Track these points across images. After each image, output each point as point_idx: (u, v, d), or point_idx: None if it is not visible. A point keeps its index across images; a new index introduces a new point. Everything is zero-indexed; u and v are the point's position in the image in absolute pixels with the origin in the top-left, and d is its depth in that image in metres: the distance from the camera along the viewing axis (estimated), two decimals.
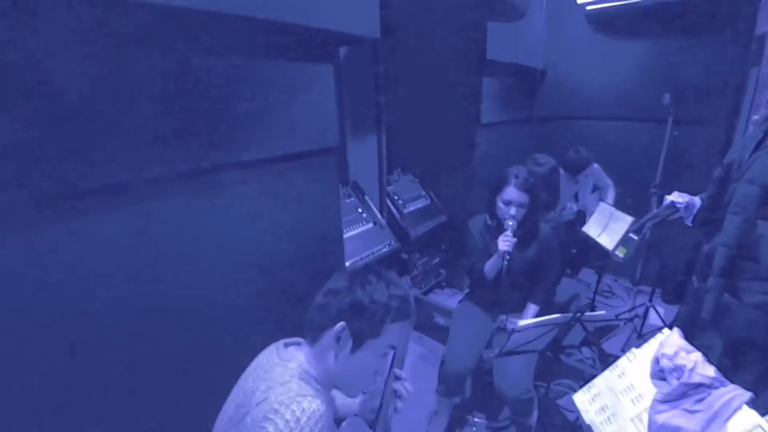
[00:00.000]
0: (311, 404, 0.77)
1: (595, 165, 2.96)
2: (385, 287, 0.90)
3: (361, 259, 2.33)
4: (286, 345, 0.95)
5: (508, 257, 1.73)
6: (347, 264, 2.15)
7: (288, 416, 0.75)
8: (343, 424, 1.04)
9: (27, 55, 0.83)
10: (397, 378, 1.08)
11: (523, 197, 1.75)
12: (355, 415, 1.15)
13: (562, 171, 2.79)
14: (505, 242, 1.72)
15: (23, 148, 0.85)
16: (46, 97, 0.86)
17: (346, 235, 2.22)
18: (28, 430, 0.94)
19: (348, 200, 2.53)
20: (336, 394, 1.17)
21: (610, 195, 2.97)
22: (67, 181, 0.92)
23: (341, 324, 0.86)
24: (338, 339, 0.88)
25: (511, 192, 1.76)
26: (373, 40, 1.55)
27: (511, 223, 1.75)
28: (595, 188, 3.08)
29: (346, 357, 0.89)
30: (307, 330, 0.93)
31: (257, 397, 0.80)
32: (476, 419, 2.06)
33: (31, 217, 0.89)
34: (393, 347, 0.94)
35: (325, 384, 0.92)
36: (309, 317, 0.93)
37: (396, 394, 1.06)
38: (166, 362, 1.17)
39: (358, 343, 0.89)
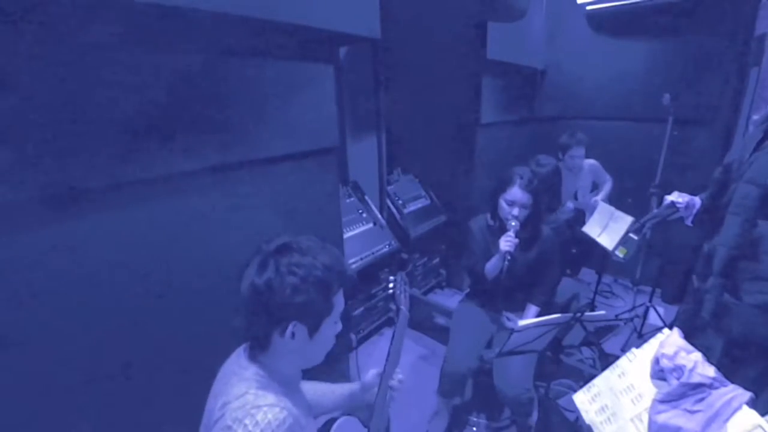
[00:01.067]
0: (266, 415, 0.75)
1: (594, 162, 2.96)
2: (312, 260, 0.81)
3: (361, 259, 2.33)
4: (245, 350, 0.91)
5: (509, 257, 1.72)
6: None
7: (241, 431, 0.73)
8: (335, 425, 1.04)
9: (27, 56, 0.83)
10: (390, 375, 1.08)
11: (526, 198, 1.75)
12: (347, 413, 1.15)
13: (560, 165, 2.80)
14: (507, 242, 1.72)
15: (23, 148, 0.85)
16: (47, 97, 0.86)
17: (346, 235, 2.22)
18: (29, 428, 0.94)
19: (348, 200, 2.53)
20: (322, 387, 1.17)
21: (606, 188, 2.97)
22: (67, 181, 0.92)
23: (292, 324, 0.81)
24: (293, 335, 0.82)
25: (515, 192, 1.75)
26: (373, 40, 1.55)
27: (513, 224, 1.75)
28: (594, 186, 3.08)
29: (306, 344, 0.85)
30: (252, 339, 0.87)
31: (215, 415, 0.79)
32: (476, 419, 2.06)
33: (31, 217, 0.89)
34: (341, 312, 0.90)
35: (291, 380, 0.89)
36: (247, 323, 0.84)
37: (391, 387, 1.06)
38: (164, 362, 1.18)
39: (314, 328, 0.84)
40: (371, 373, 1.15)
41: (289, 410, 0.80)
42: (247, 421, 0.74)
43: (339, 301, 0.88)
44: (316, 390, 1.17)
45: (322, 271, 0.81)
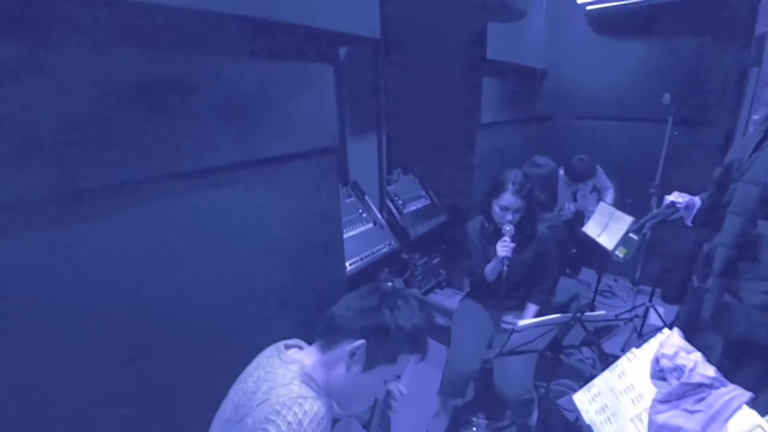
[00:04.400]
0: (313, 406, 0.77)
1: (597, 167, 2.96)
2: (410, 314, 0.90)
3: (361, 259, 2.33)
4: (287, 347, 0.94)
5: (507, 262, 1.73)
6: (347, 264, 2.15)
7: (290, 418, 0.74)
8: (336, 426, 1.04)
9: (27, 56, 0.83)
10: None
11: (519, 203, 1.75)
12: (349, 415, 1.15)
13: (561, 173, 2.80)
14: (503, 248, 1.73)
15: (23, 149, 0.85)
16: (47, 97, 0.86)
17: (346, 235, 2.22)
18: (31, 428, 0.94)
19: (348, 200, 2.52)
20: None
21: (609, 197, 2.97)
22: (67, 181, 0.92)
23: (361, 342, 0.85)
24: (353, 355, 0.86)
25: (507, 198, 1.75)
26: (373, 40, 1.55)
27: (508, 228, 1.75)
28: (594, 189, 3.08)
29: (355, 374, 0.88)
30: (322, 335, 0.91)
31: (258, 398, 0.80)
32: (476, 419, 2.06)
33: (31, 217, 0.89)
34: (398, 376, 0.94)
35: (326, 391, 0.90)
36: (328, 324, 0.91)
37: (390, 395, 1.06)
38: (165, 362, 1.17)
39: (370, 364, 0.88)
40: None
41: (327, 409, 0.83)
42: (296, 409, 0.76)
43: (401, 363, 0.91)
44: None
45: (410, 326, 0.89)
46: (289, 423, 0.74)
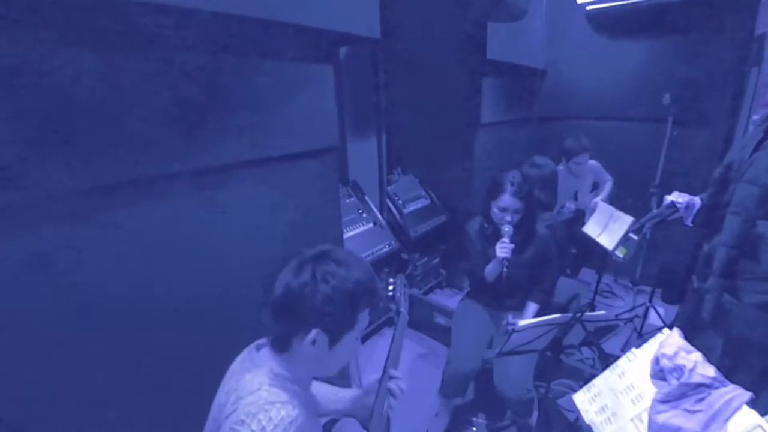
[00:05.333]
0: (279, 412, 0.75)
1: (595, 162, 2.96)
2: (346, 272, 0.82)
3: None
4: (258, 347, 0.92)
5: (507, 263, 1.73)
6: None
7: (254, 426, 0.73)
8: (336, 426, 1.04)
9: (26, 56, 0.83)
10: (391, 377, 1.07)
11: (518, 204, 1.75)
12: (347, 416, 1.14)
13: (561, 167, 2.80)
14: (502, 249, 1.73)
15: (22, 149, 0.85)
16: (46, 97, 0.86)
17: (346, 235, 2.22)
18: (33, 428, 0.94)
19: (348, 200, 2.52)
20: (326, 389, 1.17)
21: (606, 189, 2.97)
22: (66, 181, 0.92)
23: (315, 331, 0.81)
24: (314, 342, 0.83)
25: (506, 200, 1.75)
26: (373, 40, 1.55)
27: (507, 229, 1.75)
28: (595, 186, 3.08)
29: (325, 353, 0.86)
30: (273, 335, 0.87)
31: (227, 410, 0.79)
32: (477, 419, 2.06)
33: (31, 217, 0.89)
34: (364, 328, 0.91)
35: (303, 381, 0.90)
36: (272, 322, 0.84)
37: (390, 393, 1.06)
38: (165, 362, 1.18)
39: (334, 338, 0.85)
40: (373, 378, 1.15)
41: (300, 410, 0.80)
42: (261, 416, 0.74)
43: (363, 319, 0.89)
44: (319, 392, 1.17)
45: (353, 285, 0.83)
46: (252, 431, 0.73)
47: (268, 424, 0.73)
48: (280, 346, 0.86)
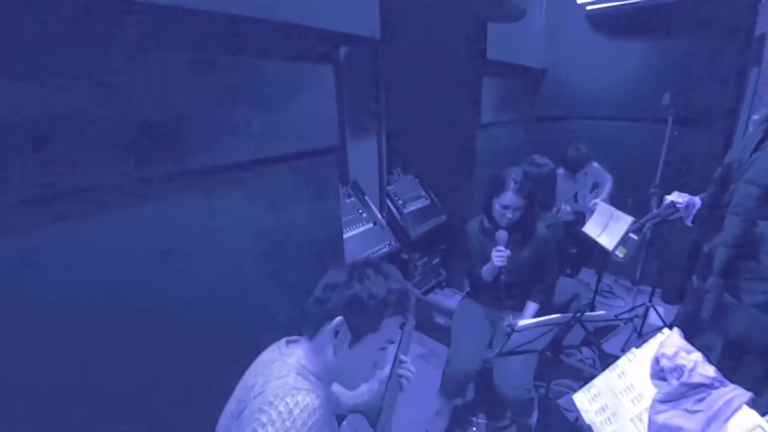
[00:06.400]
0: (305, 398, 0.78)
1: (594, 163, 2.96)
2: (383, 281, 0.89)
3: None
4: (288, 342, 0.96)
5: (504, 271, 1.75)
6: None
7: (281, 408, 0.75)
8: (344, 423, 1.04)
9: (26, 56, 0.83)
10: (401, 362, 1.08)
11: (520, 202, 1.76)
12: (360, 412, 1.15)
13: (561, 170, 2.80)
14: (498, 258, 1.75)
15: (21, 149, 0.85)
16: (46, 97, 0.86)
17: (346, 235, 2.22)
18: (35, 429, 0.94)
19: (348, 200, 2.52)
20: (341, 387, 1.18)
21: (606, 188, 2.97)
22: (66, 180, 0.92)
23: (339, 318, 0.87)
24: (336, 333, 0.88)
25: (508, 197, 1.76)
26: (373, 40, 1.55)
27: (502, 236, 1.76)
28: (594, 187, 3.08)
29: (345, 351, 0.89)
30: (305, 324, 0.93)
31: (255, 391, 0.81)
32: (477, 419, 2.06)
33: (30, 217, 0.89)
34: (391, 341, 0.94)
35: (324, 379, 0.92)
36: (307, 312, 0.92)
37: (403, 377, 1.09)
38: (168, 362, 1.18)
39: (356, 337, 0.89)
40: (387, 369, 1.16)
41: (322, 402, 0.83)
42: (288, 399, 0.77)
43: (389, 328, 0.91)
44: (337, 388, 1.18)
45: (385, 291, 0.88)
46: (280, 412, 0.75)
47: (295, 408, 0.76)
48: (310, 332, 0.92)
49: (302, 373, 0.86)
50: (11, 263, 0.87)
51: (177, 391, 1.19)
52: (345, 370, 0.93)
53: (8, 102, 0.81)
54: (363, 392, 1.19)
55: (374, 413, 1.10)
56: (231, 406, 0.89)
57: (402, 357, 1.11)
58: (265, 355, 0.94)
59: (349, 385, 0.98)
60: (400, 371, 1.09)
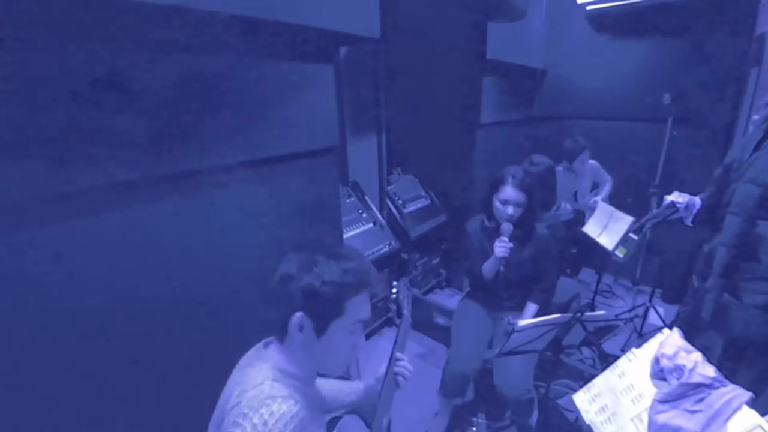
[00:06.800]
0: (281, 407, 0.76)
1: (594, 162, 2.97)
2: (335, 263, 0.85)
3: None
4: (266, 345, 0.93)
5: (504, 262, 1.74)
6: None
7: (256, 420, 0.74)
8: (339, 423, 1.04)
9: (26, 56, 0.83)
10: (398, 360, 1.08)
11: (520, 196, 1.76)
12: (359, 408, 1.15)
13: (560, 167, 2.80)
14: (500, 248, 1.74)
15: (20, 149, 0.85)
16: (46, 97, 0.86)
17: (346, 235, 2.22)
18: (32, 429, 0.94)
19: (348, 200, 2.52)
20: (339, 384, 1.17)
21: (606, 189, 2.97)
22: (66, 180, 0.92)
23: (298, 314, 0.84)
24: (301, 328, 0.85)
25: (508, 191, 1.76)
26: (373, 40, 1.55)
27: (506, 227, 1.76)
28: (594, 187, 3.08)
29: (315, 343, 0.87)
30: (272, 327, 0.91)
31: (231, 402, 0.80)
32: (477, 419, 2.06)
33: (29, 217, 0.89)
34: (362, 320, 0.90)
35: (304, 377, 0.90)
36: (270, 313, 0.89)
37: (400, 374, 1.06)
38: (164, 362, 1.17)
39: (322, 327, 0.86)
40: (383, 366, 1.16)
41: (302, 405, 0.81)
42: (263, 411, 0.75)
43: (354, 309, 0.88)
44: (332, 386, 1.18)
45: (339, 274, 0.84)
46: (254, 425, 0.74)
47: (270, 418, 0.74)
48: (280, 333, 0.89)
49: (278, 378, 0.84)
50: (12, 263, 0.87)
51: (177, 391, 1.19)
52: (322, 359, 0.91)
53: (5, 102, 0.81)
54: (359, 390, 1.18)
55: (370, 411, 1.09)
56: (215, 414, 0.88)
57: (398, 354, 1.09)
58: (243, 361, 0.92)
59: (333, 372, 0.96)
60: (397, 369, 1.07)
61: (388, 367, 1.07)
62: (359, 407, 1.15)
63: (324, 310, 0.85)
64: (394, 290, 1.36)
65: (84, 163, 0.94)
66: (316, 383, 1.14)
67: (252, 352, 0.94)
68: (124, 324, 1.08)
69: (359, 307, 0.89)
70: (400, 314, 1.25)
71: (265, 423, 0.74)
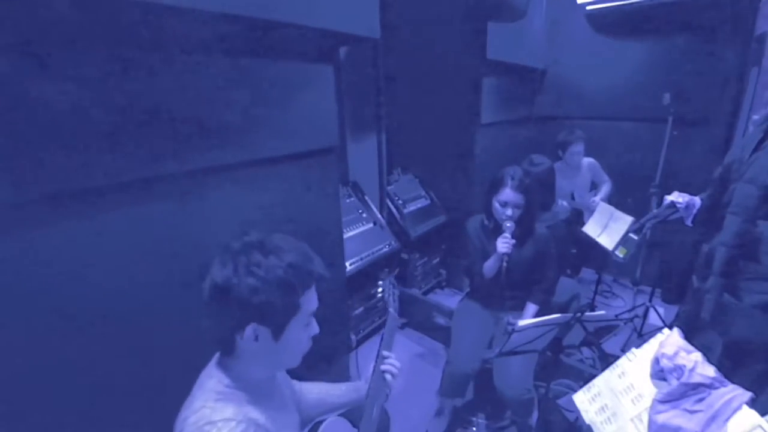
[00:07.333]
0: (220, 431, 0.72)
1: (593, 160, 2.97)
2: (276, 259, 0.77)
3: (361, 259, 2.33)
4: (218, 358, 0.88)
5: (507, 259, 1.74)
6: (347, 264, 2.15)
7: None
8: (323, 426, 1.03)
9: (25, 56, 0.83)
10: (384, 358, 1.07)
11: (519, 198, 1.76)
12: (344, 413, 1.14)
13: (557, 164, 2.80)
14: (504, 244, 1.73)
15: (19, 149, 0.85)
16: (46, 97, 0.86)
17: (346, 235, 2.22)
18: (30, 429, 0.94)
19: (348, 200, 2.53)
20: (326, 387, 1.16)
21: (604, 190, 2.97)
22: (66, 180, 0.92)
23: (250, 327, 0.77)
24: (256, 338, 0.79)
25: (507, 193, 1.76)
26: (373, 40, 1.55)
27: (509, 225, 1.76)
28: (594, 187, 3.08)
29: (272, 346, 0.81)
30: (215, 341, 0.84)
31: (177, 429, 0.77)
32: (476, 419, 2.06)
33: (28, 218, 0.89)
34: (313, 311, 0.85)
35: (260, 381, 0.86)
36: (208, 328, 0.81)
37: (388, 372, 1.06)
38: (165, 363, 1.17)
39: (279, 330, 0.80)
40: (371, 366, 1.15)
41: (250, 421, 0.77)
42: None
43: (308, 302, 0.83)
44: (320, 389, 1.17)
45: (284, 270, 0.77)
46: None
47: None
48: (226, 349, 0.83)
49: (223, 396, 0.78)
50: (11, 264, 0.87)
51: (177, 392, 1.19)
52: (279, 359, 0.86)
53: (5, 102, 0.81)
54: (350, 390, 1.17)
55: (358, 412, 1.09)
56: None
57: (384, 353, 1.09)
58: (201, 375, 0.86)
59: (292, 364, 0.90)
60: (384, 367, 1.06)
61: (375, 365, 1.07)
62: (356, 405, 1.15)
63: (278, 313, 0.78)
64: (380, 289, 1.36)
65: (83, 163, 0.94)
66: (302, 387, 1.13)
67: (206, 368, 0.88)
68: (124, 324, 1.08)
69: (311, 299, 0.84)
70: (385, 311, 1.25)
71: None
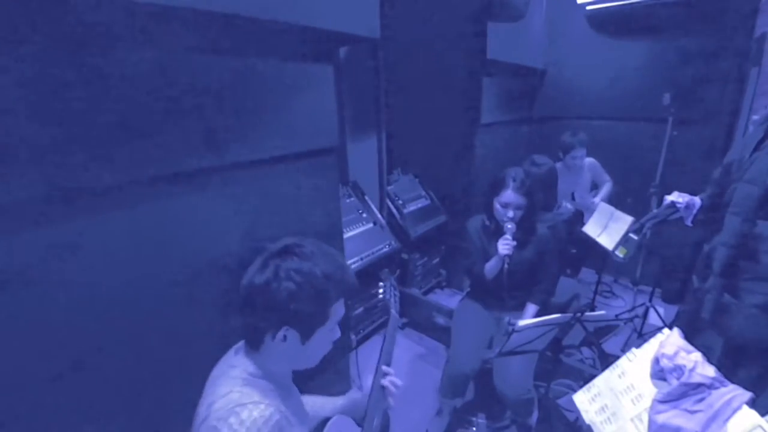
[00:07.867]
0: (251, 413, 0.74)
1: (594, 160, 2.97)
2: (312, 267, 0.80)
3: (361, 259, 2.33)
4: (237, 351, 0.91)
5: (508, 260, 1.74)
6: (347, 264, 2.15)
7: (225, 430, 0.72)
8: (330, 423, 1.03)
9: (25, 56, 0.83)
10: (385, 374, 1.07)
11: (520, 200, 1.76)
12: (349, 413, 1.15)
13: (559, 164, 2.80)
14: (505, 246, 1.73)
15: (19, 149, 0.85)
16: (46, 97, 0.86)
17: (346, 235, 2.22)
18: (29, 429, 0.94)
19: (348, 200, 2.53)
20: (320, 400, 1.16)
21: (605, 190, 2.97)
22: (67, 180, 0.92)
23: (284, 329, 0.81)
24: (285, 339, 0.82)
25: (508, 195, 1.76)
26: (373, 40, 1.55)
27: (510, 226, 1.76)
28: (594, 187, 3.08)
29: (298, 347, 0.84)
30: (244, 335, 0.87)
31: (201, 416, 0.78)
32: (477, 419, 2.06)
33: (27, 218, 0.89)
34: (340, 321, 0.90)
35: (280, 378, 0.89)
36: (243, 322, 0.84)
37: (387, 390, 1.05)
38: (165, 363, 1.17)
39: (307, 334, 0.84)
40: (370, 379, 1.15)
41: (276, 407, 0.79)
42: (232, 420, 0.72)
43: (337, 311, 0.87)
44: (315, 402, 1.17)
45: (321, 280, 0.81)
46: None
47: (239, 427, 0.72)
48: (252, 344, 0.86)
49: (250, 383, 0.81)
50: (11, 263, 0.87)
51: (177, 392, 1.19)
52: (302, 360, 0.89)
53: (4, 103, 0.81)
54: (345, 404, 1.17)
55: (362, 414, 1.09)
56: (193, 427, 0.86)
57: (384, 369, 1.07)
58: (216, 369, 0.89)
59: (309, 365, 0.93)
60: (384, 382, 1.05)
61: (374, 380, 1.06)
62: (349, 412, 1.15)
63: (310, 319, 0.82)
64: (381, 290, 1.36)
65: (83, 163, 0.94)
66: (297, 393, 1.14)
67: (222, 360, 0.91)
68: (124, 324, 1.08)
69: (339, 309, 0.88)
70: (386, 312, 1.25)
71: None
